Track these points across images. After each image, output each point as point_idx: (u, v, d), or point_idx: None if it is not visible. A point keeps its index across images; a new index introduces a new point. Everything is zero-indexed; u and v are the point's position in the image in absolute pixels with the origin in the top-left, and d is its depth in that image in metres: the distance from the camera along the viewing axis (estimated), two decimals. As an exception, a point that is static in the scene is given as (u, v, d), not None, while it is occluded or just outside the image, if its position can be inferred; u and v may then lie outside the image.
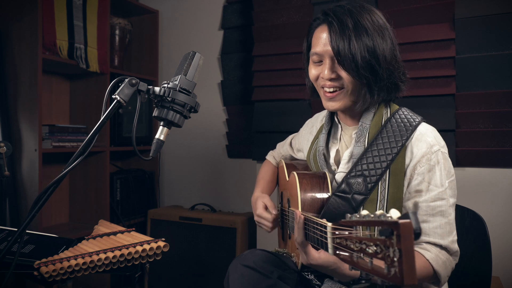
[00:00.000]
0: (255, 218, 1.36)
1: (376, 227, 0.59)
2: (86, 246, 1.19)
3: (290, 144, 1.53)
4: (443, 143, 1.09)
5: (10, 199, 1.96)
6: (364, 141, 1.10)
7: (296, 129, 1.52)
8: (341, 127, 1.21)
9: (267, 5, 2.32)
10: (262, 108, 2.36)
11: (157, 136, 0.97)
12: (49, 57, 1.99)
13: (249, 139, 2.44)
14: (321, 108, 1.25)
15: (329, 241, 0.78)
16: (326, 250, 0.79)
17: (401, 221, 0.54)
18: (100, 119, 0.92)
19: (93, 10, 2.22)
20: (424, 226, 1.02)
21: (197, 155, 2.66)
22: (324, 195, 1.12)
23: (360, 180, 1.06)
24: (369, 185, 1.05)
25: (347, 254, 0.69)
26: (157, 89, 0.96)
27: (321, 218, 1.07)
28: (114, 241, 1.23)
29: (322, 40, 1.08)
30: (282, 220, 1.44)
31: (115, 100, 0.93)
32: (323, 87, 1.11)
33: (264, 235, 2.27)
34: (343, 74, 1.06)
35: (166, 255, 1.24)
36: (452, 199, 1.05)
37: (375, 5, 2.02)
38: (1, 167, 1.63)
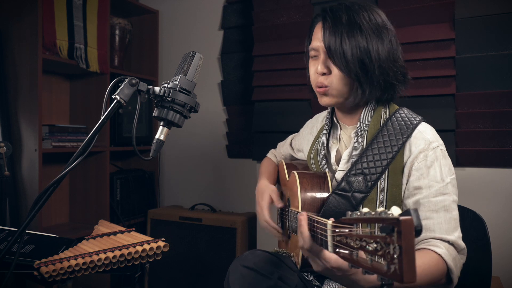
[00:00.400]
0: (257, 208, 1.34)
1: (376, 225, 0.59)
2: (86, 246, 1.19)
3: (290, 144, 1.53)
4: (441, 141, 1.09)
5: (10, 199, 1.96)
6: (363, 141, 1.10)
7: (296, 129, 1.52)
8: (340, 127, 1.21)
9: (267, 5, 2.32)
10: (262, 108, 2.36)
11: (157, 136, 0.97)
12: (49, 57, 1.99)
13: (249, 139, 2.44)
14: (321, 108, 1.25)
15: (329, 239, 0.77)
16: (326, 248, 0.78)
17: (402, 217, 0.54)
18: (100, 119, 0.92)
19: (93, 10, 2.22)
20: (428, 222, 1.00)
21: (197, 155, 2.66)
22: (325, 194, 1.12)
23: (360, 178, 1.06)
24: (369, 183, 1.05)
25: (347, 252, 0.69)
26: (157, 89, 0.96)
27: (321, 216, 1.08)
28: (114, 241, 1.23)
29: (318, 36, 1.09)
30: (282, 220, 1.44)
31: (115, 100, 0.93)
32: (316, 83, 1.12)
33: (264, 235, 2.27)
34: (335, 70, 1.07)
35: (166, 255, 1.24)
36: (455, 196, 1.03)
37: (375, 5, 2.02)
38: (1, 167, 1.63)
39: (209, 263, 2.26)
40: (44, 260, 1.04)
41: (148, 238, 1.24)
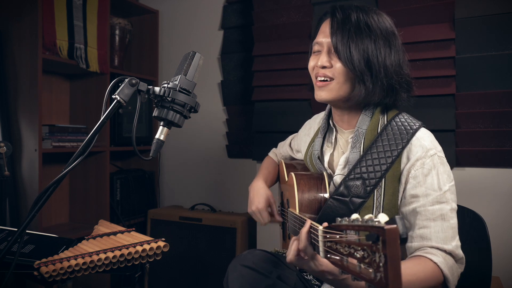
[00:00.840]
0: (254, 209, 1.35)
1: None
2: (86, 246, 1.19)
3: (290, 144, 1.53)
4: (440, 148, 1.06)
5: (10, 199, 1.96)
6: (360, 147, 1.09)
7: (296, 129, 1.52)
8: (336, 130, 1.20)
9: (267, 5, 2.32)
10: (262, 108, 2.36)
11: (157, 136, 0.97)
12: (49, 57, 1.99)
13: (249, 139, 2.44)
14: (321, 108, 1.25)
15: (320, 244, 0.77)
16: (318, 253, 0.78)
17: (386, 226, 0.53)
18: (100, 119, 0.92)
19: (93, 10, 2.22)
20: (425, 231, 0.98)
21: (197, 155, 2.66)
22: (322, 197, 1.12)
23: (359, 183, 1.05)
24: (368, 188, 1.04)
25: (337, 258, 0.69)
26: (157, 89, 0.96)
27: (319, 220, 1.07)
28: (114, 241, 1.23)
29: (324, 31, 1.09)
30: (282, 220, 1.44)
31: (115, 100, 0.93)
32: (316, 77, 1.11)
33: (264, 235, 2.27)
34: (337, 65, 1.06)
35: (166, 255, 1.24)
36: (454, 204, 1.01)
37: (375, 5, 2.02)
38: (1, 167, 1.63)
39: (209, 263, 2.26)
40: (44, 260, 1.04)
41: (148, 238, 1.24)
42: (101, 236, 1.28)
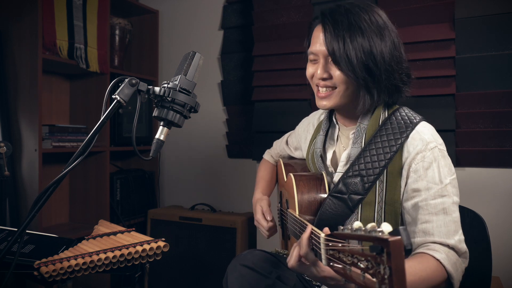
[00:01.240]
0: (255, 222, 1.37)
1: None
2: (86, 246, 1.19)
3: (287, 142, 1.52)
4: (440, 141, 1.06)
5: (10, 199, 1.96)
6: (361, 142, 1.08)
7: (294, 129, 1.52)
8: (339, 127, 1.20)
9: (267, 5, 2.32)
10: (262, 108, 2.36)
11: (157, 136, 0.97)
12: (49, 57, 1.99)
13: (249, 139, 2.44)
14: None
15: (323, 252, 0.76)
16: (320, 260, 0.78)
17: (391, 238, 0.53)
18: (100, 119, 0.92)
19: (93, 10, 2.22)
20: (427, 226, 0.97)
21: (197, 155, 2.66)
22: (321, 197, 1.11)
23: (357, 180, 1.04)
24: (366, 185, 1.04)
25: (340, 266, 0.68)
26: (157, 89, 0.96)
27: (318, 220, 1.07)
28: (114, 241, 1.23)
29: (318, 40, 1.07)
30: (281, 221, 1.44)
31: (115, 100, 0.93)
32: (317, 86, 1.10)
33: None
34: (336, 74, 1.04)
35: (166, 255, 1.24)
36: (456, 197, 1.00)
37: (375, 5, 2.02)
38: (1, 167, 1.63)
39: (209, 263, 2.26)
40: (44, 260, 1.04)
41: (148, 238, 1.24)
42: (101, 236, 1.27)
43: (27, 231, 1.19)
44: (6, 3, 2.03)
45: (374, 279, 0.56)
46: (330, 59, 1.05)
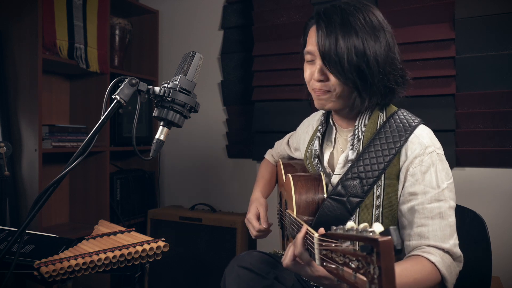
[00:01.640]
0: (245, 220, 1.35)
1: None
2: (86, 246, 1.19)
3: (288, 143, 1.52)
4: (439, 145, 1.04)
5: (10, 199, 1.96)
6: (359, 145, 1.08)
7: (296, 129, 1.52)
8: (336, 129, 1.19)
9: (267, 5, 2.32)
10: (262, 108, 2.36)
11: (157, 136, 0.96)
12: (49, 57, 1.99)
13: (249, 139, 2.44)
14: (321, 108, 1.25)
15: (316, 252, 0.76)
16: (314, 260, 0.78)
17: (381, 239, 0.53)
18: (100, 119, 0.92)
19: (93, 10, 2.22)
20: (423, 229, 0.97)
21: (197, 155, 2.66)
22: (319, 198, 1.11)
23: (356, 182, 1.04)
24: (365, 188, 1.03)
25: (333, 266, 0.69)
26: (157, 89, 0.96)
27: (316, 222, 1.07)
28: (114, 241, 1.23)
29: (313, 40, 1.05)
30: (281, 221, 1.44)
31: (115, 100, 0.93)
32: (313, 89, 1.09)
33: (264, 235, 2.27)
34: (331, 76, 1.03)
35: (166, 255, 1.24)
36: (452, 202, 1.00)
37: (375, 5, 2.02)
38: (1, 167, 1.63)
39: (209, 263, 2.26)
40: (44, 260, 1.04)
41: (148, 238, 1.24)
42: (101, 236, 1.28)
43: (27, 231, 1.19)
44: (6, 3, 2.03)
45: (365, 279, 0.56)
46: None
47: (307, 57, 1.09)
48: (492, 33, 1.85)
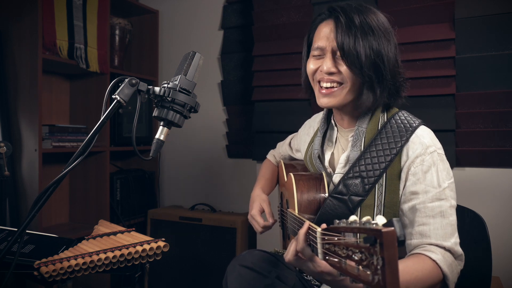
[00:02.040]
0: (248, 216, 1.36)
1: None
2: (86, 246, 1.19)
3: (289, 144, 1.53)
4: (439, 145, 1.06)
5: (10, 199, 1.96)
6: (361, 145, 1.08)
7: (296, 129, 1.52)
8: (337, 129, 1.19)
9: (267, 5, 2.32)
10: (262, 108, 2.36)
11: (157, 136, 0.97)
12: (49, 57, 1.99)
13: (249, 139, 2.44)
14: (321, 108, 1.25)
15: (319, 246, 0.76)
16: (316, 255, 0.79)
17: (384, 229, 0.53)
18: (100, 119, 0.92)
19: (93, 10, 2.22)
20: (424, 228, 0.98)
21: (197, 155, 2.66)
22: (321, 197, 1.11)
23: (357, 181, 1.05)
24: (367, 187, 1.04)
25: (336, 260, 0.69)
26: (157, 89, 0.96)
27: (317, 221, 1.08)
28: (114, 241, 1.23)
29: (326, 35, 1.06)
30: (282, 221, 1.45)
31: (115, 100, 0.93)
32: (319, 82, 1.09)
33: (264, 235, 2.26)
34: (344, 69, 1.04)
35: (166, 255, 1.24)
36: (453, 201, 1.01)
37: (375, 5, 2.02)
38: (1, 167, 1.63)
39: (209, 263, 2.26)
40: (44, 260, 1.04)
41: (148, 238, 1.24)
42: (101, 236, 1.28)
43: (27, 231, 1.19)
44: (6, 3, 2.03)
45: (368, 272, 0.57)
46: (338, 54, 1.04)
47: (315, 52, 1.09)
48: (492, 33, 1.85)
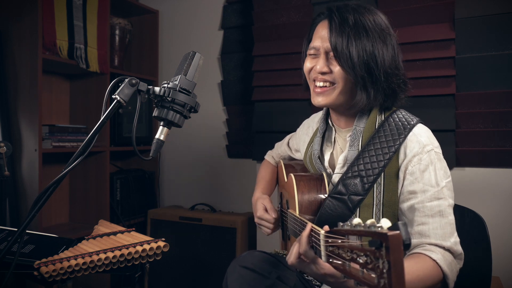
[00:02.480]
0: (256, 220, 1.36)
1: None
2: (86, 246, 1.19)
3: (288, 144, 1.52)
4: (437, 143, 1.06)
5: (10, 199, 1.96)
6: (358, 145, 1.09)
7: (296, 129, 1.52)
8: (335, 130, 1.20)
9: (267, 5, 2.32)
10: (262, 108, 2.36)
11: (157, 136, 0.96)
12: (49, 57, 1.99)
13: (249, 139, 2.44)
14: (320, 108, 1.25)
15: (322, 248, 0.76)
16: (320, 257, 0.78)
17: (390, 233, 0.53)
18: (100, 119, 0.92)
19: (93, 10, 2.22)
20: (423, 228, 0.98)
21: (197, 155, 2.66)
22: (321, 197, 1.11)
23: (357, 181, 1.05)
24: (366, 185, 1.04)
25: (340, 262, 0.69)
26: (157, 89, 0.96)
27: (317, 221, 1.08)
28: (114, 241, 1.23)
29: (321, 35, 1.08)
30: (282, 221, 1.44)
31: (115, 100, 0.93)
32: (314, 80, 1.10)
33: (264, 235, 2.27)
34: (337, 69, 1.05)
35: (166, 255, 1.24)
36: (451, 200, 1.01)
37: (375, 5, 2.02)
38: (1, 167, 1.63)
39: (209, 263, 2.26)
40: (44, 260, 1.04)
41: (148, 238, 1.24)
42: (101, 236, 1.27)
43: (27, 231, 1.19)
44: (6, 3, 2.03)
45: (373, 275, 0.56)
46: (331, 55, 1.05)
47: (311, 51, 1.11)
48: (492, 33, 1.85)
